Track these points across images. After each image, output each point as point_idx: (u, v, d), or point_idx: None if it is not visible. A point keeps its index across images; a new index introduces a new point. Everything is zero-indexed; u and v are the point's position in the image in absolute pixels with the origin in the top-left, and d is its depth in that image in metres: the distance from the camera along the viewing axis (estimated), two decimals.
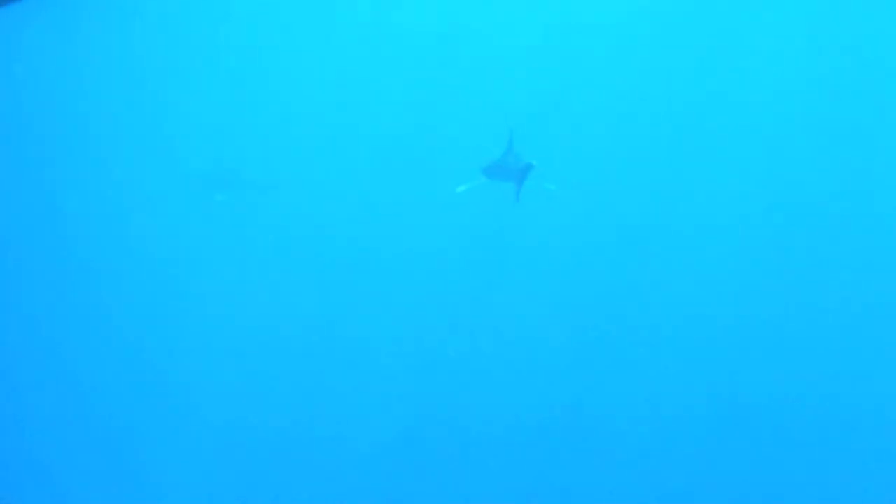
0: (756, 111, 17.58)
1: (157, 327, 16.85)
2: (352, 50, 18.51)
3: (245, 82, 18.41)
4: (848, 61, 17.36)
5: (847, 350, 16.55)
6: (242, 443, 16.11)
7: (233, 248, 17.71)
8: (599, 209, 17.73)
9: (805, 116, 17.33)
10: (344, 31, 18.51)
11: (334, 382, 16.73)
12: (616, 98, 17.97)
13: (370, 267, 17.64)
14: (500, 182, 11.57)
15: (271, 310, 17.14)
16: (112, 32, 17.76)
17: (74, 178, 17.39)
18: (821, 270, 16.96)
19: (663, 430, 16.34)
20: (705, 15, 17.79)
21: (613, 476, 15.97)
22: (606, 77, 18.01)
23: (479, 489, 15.91)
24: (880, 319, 16.52)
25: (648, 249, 17.40)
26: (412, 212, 17.91)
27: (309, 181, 18.02)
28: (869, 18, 17.17)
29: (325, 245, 17.81)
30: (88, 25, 17.63)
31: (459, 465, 16.14)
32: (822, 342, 16.54)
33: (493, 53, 18.32)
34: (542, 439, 16.35)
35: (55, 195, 17.31)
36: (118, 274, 17.15)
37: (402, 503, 15.85)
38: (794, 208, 17.43)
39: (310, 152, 18.29)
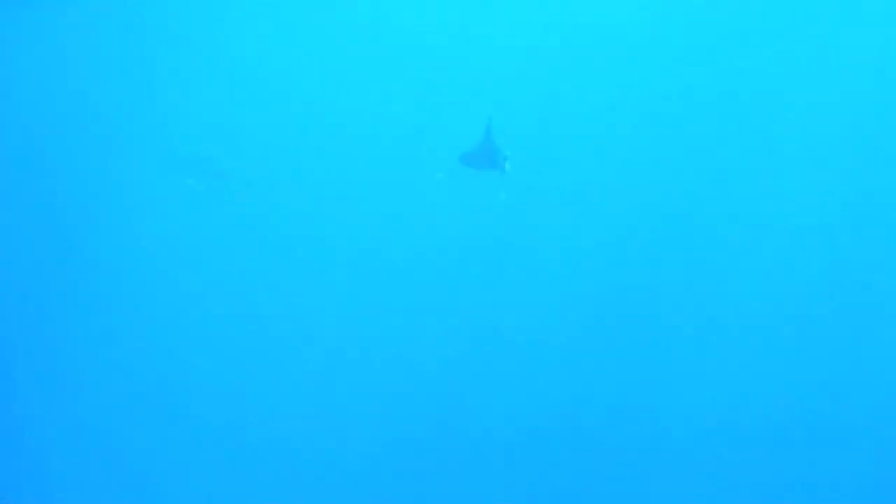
0: (756, 110, 17.55)
1: (153, 326, 16.86)
2: (344, 46, 18.44)
3: (237, 77, 18.34)
4: (848, 62, 17.32)
5: (846, 354, 16.53)
6: (234, 439, 16.15)
7: (232, 246, 17.71)
8: (599, 208, 17.71)
9: (804, 117, 17.30)
10: (337, 27, 18.46)
11: (332, 381, 16.75)
12: (614, 98, 17.94)
13: (368, 266, 17.64)
14: (476, 170, 11.56)
15: (266, 309, 17.15)
16: (97, 24, 17.71)
17: (66, 171, 17.38)
18: (818, 270, 16.93)
19: (663, 431, 16.31)
20: (703, 15, 17.78)
21: (613, 477, 15.96)
22: (604, 77, 17.99)
23: (478, 489, 15.91)
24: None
25: (646, 248, 17.39)
26: (410, 210, 17.89)
27: (307, 180, 18.01)
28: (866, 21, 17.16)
29: (323, 243, 17.81)
30: (63, 19, 17.52)
31: (457, 465, 16.14)
32: (824, 344, 16.50)
33: (492, 52, 18.30)
34: (541, 439, 16.34)
35: (44, 188, 17.30)
36: (114, 270, 17.16)
37: (401, 503, 15.87)
38: (797, 208, 17.38)
39: (307, 149, 18.27)
